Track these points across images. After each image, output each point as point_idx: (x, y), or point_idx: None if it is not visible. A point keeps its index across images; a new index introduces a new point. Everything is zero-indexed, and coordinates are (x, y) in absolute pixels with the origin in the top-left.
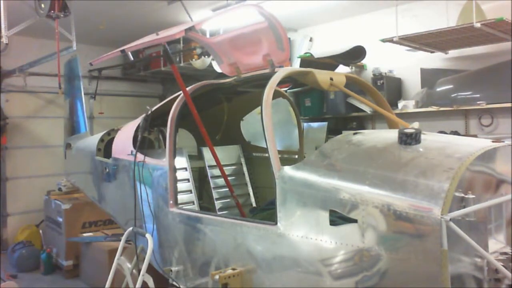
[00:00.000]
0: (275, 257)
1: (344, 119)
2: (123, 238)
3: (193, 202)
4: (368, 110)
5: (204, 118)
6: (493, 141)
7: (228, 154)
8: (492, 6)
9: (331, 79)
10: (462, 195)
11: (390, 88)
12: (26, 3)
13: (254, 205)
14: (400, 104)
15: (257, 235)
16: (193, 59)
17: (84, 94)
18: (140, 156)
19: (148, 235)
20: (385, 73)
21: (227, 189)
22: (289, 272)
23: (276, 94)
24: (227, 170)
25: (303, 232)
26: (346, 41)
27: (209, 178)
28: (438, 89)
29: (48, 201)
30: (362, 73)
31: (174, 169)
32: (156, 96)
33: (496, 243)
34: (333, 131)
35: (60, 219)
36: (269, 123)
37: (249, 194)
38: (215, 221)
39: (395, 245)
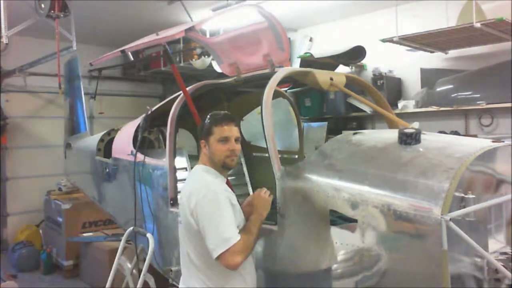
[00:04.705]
0: (275, 257)
1: (344, 119)
2: (124, 238)
3: None
4: (368, 110)
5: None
6: (493, 141)
7: None
8: (492, 6)
9: (331, 79)
10: (462, 195)
11: (390, 88)
12: (26, 3)
13: None
14: (400, 104)
15: None
16: (193, 59)
17: (84, 94)
18: (140, 156)
19: (149, 235)
20: (385, 73)
21: None
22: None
23: (276, 94)
24: None
25: (303, 232)
26: (346, 41)
27: None
28: (438, 89)
29: (48, 201)
30: (362, 73)
31: (174, 169)
32: (156, 96)
33: (496, 243)
34: (333, 131)
35: (60, 219)
36: (269, 123)
37: (249, 194)
38: None
39: (395, 245)
